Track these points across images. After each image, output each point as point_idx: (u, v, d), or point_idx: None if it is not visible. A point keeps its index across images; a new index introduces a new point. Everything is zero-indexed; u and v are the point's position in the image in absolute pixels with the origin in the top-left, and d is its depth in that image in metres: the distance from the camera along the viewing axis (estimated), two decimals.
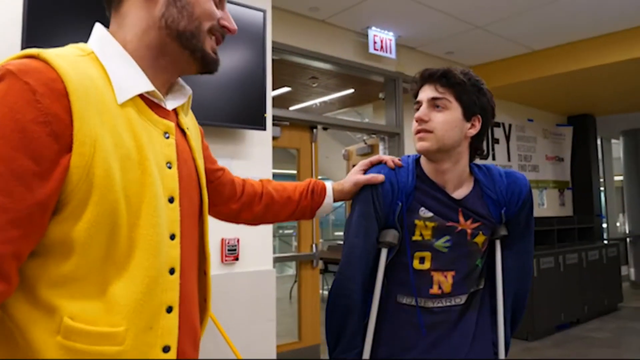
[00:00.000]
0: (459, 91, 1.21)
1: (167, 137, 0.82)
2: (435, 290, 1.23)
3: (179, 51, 0.83)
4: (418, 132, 1.23)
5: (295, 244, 5.32)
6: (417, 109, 1.25)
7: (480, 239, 1.26)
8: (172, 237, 0.78)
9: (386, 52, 3.99)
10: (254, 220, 1.25)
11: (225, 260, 2.67)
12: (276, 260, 3.66)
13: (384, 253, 1.25)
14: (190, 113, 0.99)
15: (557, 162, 6.28)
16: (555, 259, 4.84)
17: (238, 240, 2.72)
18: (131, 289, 0.71)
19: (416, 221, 1.23)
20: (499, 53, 4.64)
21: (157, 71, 0.83)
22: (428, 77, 1.24)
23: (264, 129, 2.76)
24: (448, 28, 4.01)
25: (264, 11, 2.81)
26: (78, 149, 0.66)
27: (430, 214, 1.23)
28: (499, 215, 1.27)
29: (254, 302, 2.73)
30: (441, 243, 1.23)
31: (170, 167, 0.80)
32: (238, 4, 2.71)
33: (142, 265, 0.72)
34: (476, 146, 1.29)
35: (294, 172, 3.93)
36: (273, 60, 3.60)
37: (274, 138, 3.50)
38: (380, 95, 4.45)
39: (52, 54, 0.69)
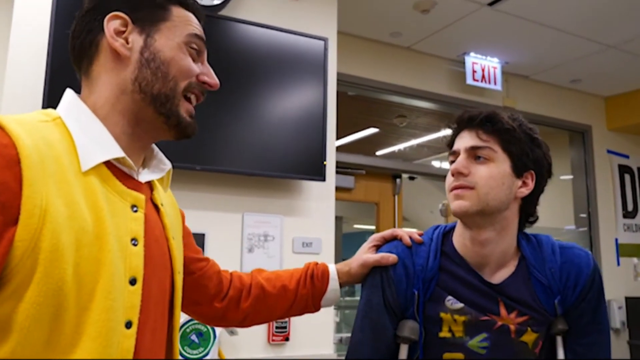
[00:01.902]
0: (507, 139, 1.11)
1: (135, 211, 0.82)
2: None
3: (153, 117, 0.86)
4: (454, 188, 1.11)
5: None
6: (452, 162, 1.14)
7: (529, 337, 1.11)
8: (129, 325, 0.76)
9: (489, 82, 3.63)
10: (245, 321, 1.20)
11: (273, 341, 2.42)
12: (348, 341, 3.25)
13: (403, 349, 1.14)
14: (171, 194, 1.01)
15: None
16: None
17: None
18: None
19: (442, 314, 1.12)
20: None
21: (132, 138, 0.85)
22: (468, 122, 1.14)
23: (323, 180, 2.51)
24: (571, 49, 3.54)
25: (325, 40, 2.59)
26: (25, 220, 0.66)
27: (459, 305, 1.12)
28: (552, 307, 1.11)
29: None
30: (476, 343, 1.12)
31: (135, 244, 0.79)
32: (294, 32, 2.53)
33: (88, 355, 0.70)
34: (528, 211, 1.16)
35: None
36: (349, 96, 3.41)
37: (346, 190, 3.30)
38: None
39: (8, 119, 0.71)
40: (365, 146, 4.90)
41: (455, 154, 1.15)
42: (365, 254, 1.22)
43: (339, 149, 2.76)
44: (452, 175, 1.12)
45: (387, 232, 1.25)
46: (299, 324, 2.45)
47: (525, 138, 1.12)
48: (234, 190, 2.41)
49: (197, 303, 1.12)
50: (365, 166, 3.42)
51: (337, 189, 2.78)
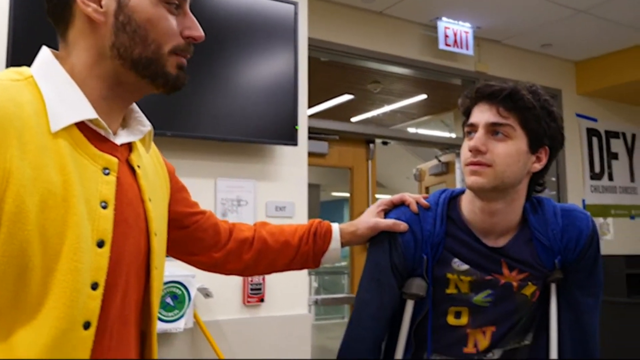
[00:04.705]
0: (527, 117, 1.12)
1: (107, 174, 0.81)
2: (470, 348, 1.20)
3: (136, 79, 0.84)
4: (471, 164, 1.13)
5: (345, 282, 4.98)
6: (468, 133, 1.16)
7: (529, 289, 1.19)
8: (95, 286, 0.76)
9: (461, 47, 3.64)
10: (245, 271, 1.24)
11: (248, 302, 2.48)
12: (323, 302, 3.38)
13: (409, 305, 1.21)
14: (156, 151, 1.02)
15: None
16: None
17: (264, 278, 2.51)
18: (36, 340, 0.70)
19: (449, 274, 1.18)
20: (611, 44, 4.07)
21: (112, 101, 0.84)
22: (489, 96, 1.13)
23: (295, 144, 2.55)
24: (542, 14, 3.55)
25: (295, 4, 2.59)
26: None
27: (465, 267, 1.18)
28: (552, 264, 1.18)
29: (284, 355, 2.48)
30: (481, 298, 1.19)
31: (105, 207, 0.79)
32: None
33: (52, 314, 0.71)
34: (538, 182, 1.21)
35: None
36: (322, 62, 3.41)
37: (320, 155, 3.32)
38: (460, 100, 4.04)
39: None
40: (341, 113, 4.90)
41: (473, 127, 1.15)
42: (374, 218, 1.25)
43: (314, 115, 2.78)
44: (470, 151, 1.14)
45: (395, 197, 1.28)
46: (273, 285, 2.52)
47: (543, 114, 1.13)
48: (206, 155, 2.43)
49: (194, 253, 1.16)
50: (339, 132, 3.44)
51: (311, 154, 2.82)
